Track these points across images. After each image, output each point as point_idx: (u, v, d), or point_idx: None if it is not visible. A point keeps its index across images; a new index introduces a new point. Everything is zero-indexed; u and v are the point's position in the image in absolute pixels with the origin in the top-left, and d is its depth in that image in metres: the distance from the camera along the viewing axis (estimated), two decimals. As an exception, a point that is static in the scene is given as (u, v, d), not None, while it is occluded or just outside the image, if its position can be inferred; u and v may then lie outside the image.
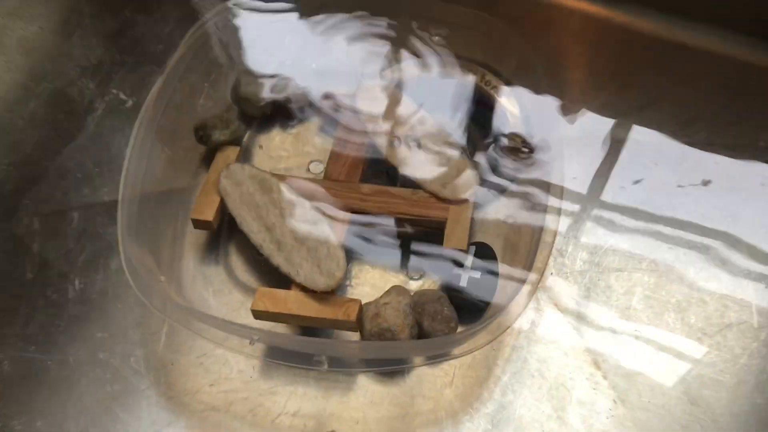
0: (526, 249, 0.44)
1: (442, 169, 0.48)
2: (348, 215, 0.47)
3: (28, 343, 0.45)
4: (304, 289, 0.43)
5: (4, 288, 0.47)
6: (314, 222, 0.45)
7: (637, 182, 0.49)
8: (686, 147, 0.50)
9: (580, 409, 0.42)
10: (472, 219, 0.47)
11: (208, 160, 0.51)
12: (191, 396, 0.43)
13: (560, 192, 0.45)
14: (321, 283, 0.43)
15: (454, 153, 0.49)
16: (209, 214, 0.46)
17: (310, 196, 0.47)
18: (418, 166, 0.48)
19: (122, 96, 0.54)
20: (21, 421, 0.43)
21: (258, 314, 0.43)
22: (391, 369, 0.44)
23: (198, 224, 0.47)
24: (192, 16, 0.54)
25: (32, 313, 0.46)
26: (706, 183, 0.49)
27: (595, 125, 0.52)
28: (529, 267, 0.42)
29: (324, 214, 0.46)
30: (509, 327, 0.42)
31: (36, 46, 0.56)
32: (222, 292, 0.47)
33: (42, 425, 0.42)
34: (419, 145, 0.49)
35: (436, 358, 0.43)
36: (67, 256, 0.48)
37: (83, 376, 0.44)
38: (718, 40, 0.53)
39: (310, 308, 0.42)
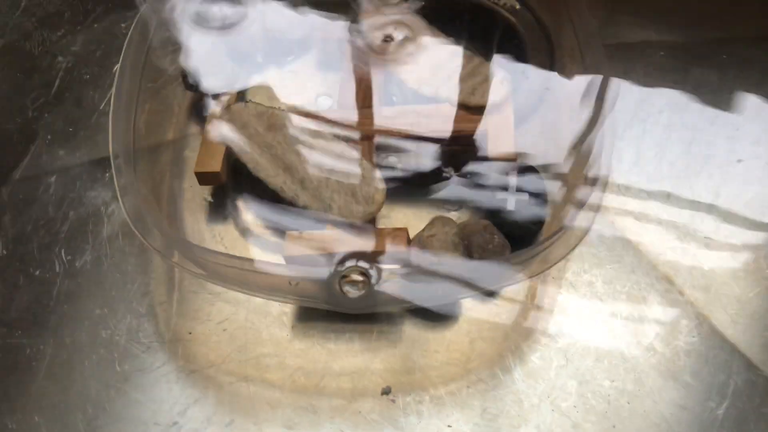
0: (577, 162, 0.40)
1: (465, 75, 0.43)
2: (374, 140, 0.41)
3: (13, 329, 0.38)
4: (340, 226, 0.37)
5: (-24, 269, 0.40)
6: (339, 152, 0.40)
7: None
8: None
9: (661, 330, 0.37)
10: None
11: (197, 109, 0.44)
12: (217, 367, 0.37)
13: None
14: (360, 211, 0.37)
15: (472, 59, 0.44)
16: (215, 165, 0.40)
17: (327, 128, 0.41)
18: (437, 81, 0.43)
19: (90, 46, 0.47)
20: (15, 418, 0.36)
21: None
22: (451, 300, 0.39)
23: (204, 179, 0.41)
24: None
25: (12, 293, 0.39)
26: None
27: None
28: (584, 182, 0.38)
29: (347, 141, 0.41)
30: (585, 234, 0.36)
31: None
32: (236, 249, 0.41)
33: (42, 420, 0.35)
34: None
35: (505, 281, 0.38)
36: (48, 227, 0.41)
37: (85, 359, 0.37)
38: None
39: (351, 243, 0.37)
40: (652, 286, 0.39)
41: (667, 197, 0.41)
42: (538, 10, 0.47)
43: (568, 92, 0.43)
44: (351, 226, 0.38)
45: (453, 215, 0.42)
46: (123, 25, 0.47)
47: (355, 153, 0.40)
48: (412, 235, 0.39)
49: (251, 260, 0.36)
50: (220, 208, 0.42)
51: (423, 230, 0.39)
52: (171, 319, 0.39)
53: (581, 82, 0.41)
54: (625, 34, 0.47)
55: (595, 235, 0.40)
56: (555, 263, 0.36)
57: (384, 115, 0.42)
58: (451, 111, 0.42)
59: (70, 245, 0.41)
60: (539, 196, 0.40)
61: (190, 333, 0.38)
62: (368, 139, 0.41)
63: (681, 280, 0.39)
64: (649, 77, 0.46)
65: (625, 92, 0.45)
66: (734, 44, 0.46)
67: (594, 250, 0.40)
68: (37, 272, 0.40)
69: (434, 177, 0.42)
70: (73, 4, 0.48)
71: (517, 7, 0.48)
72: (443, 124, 0.41)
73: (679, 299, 0.38)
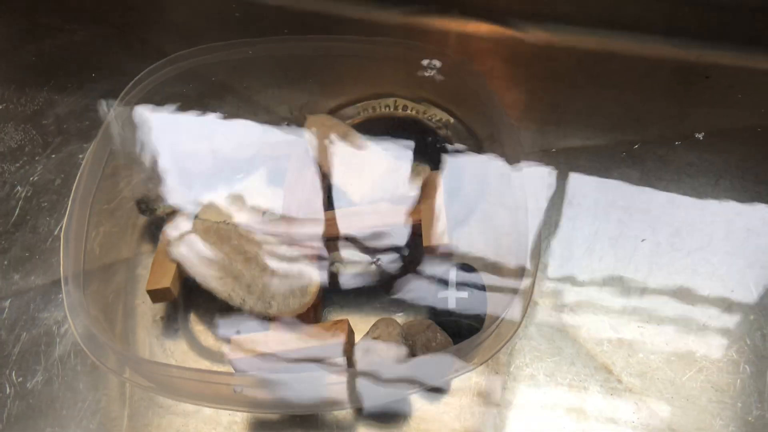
0: (513, 258, 0.42)
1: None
2: (315, 247, 0.43)
3: (-39, 455, 0.38)
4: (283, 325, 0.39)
5: (-75, 395, 0.40)
6: (282, 255, 0.42)
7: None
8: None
9: (602, 417, 0.38)
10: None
11: (149, 230, 0.46)
12: (167, 482, 0.37)
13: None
14: (296, 303, 0.39)
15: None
16: (166, 282, 0.42)
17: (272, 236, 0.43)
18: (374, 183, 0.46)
19: (49, 176, 0.49)
20: None
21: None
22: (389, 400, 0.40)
23: (156, 296, 0.42)
24: (117, 90, 0.50)
25: (-38, 419, 0.39)
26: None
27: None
28: (519, 276, 0.40)
29: (290, 244, 0.43)
30: (519, 326, 0.38)
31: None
32: (186, 362, 0.42)
33: None
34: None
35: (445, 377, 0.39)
36: (0, 349, 0.42)
37: (34, 482, 0.37)
38: (641, 44, 0.55)
39: (293, 342, 0.38)
40: (592, 376, 0.40)
41: (600, 288, 0.44)
42: (467, 122, 0.51)
43: (499, 192, 0.46)
44: (292, 325, 0.39)
45: (398, 317, 0.43)
46: (80, 155, 0.50)
47: (295, 253, 0.42)
48: (357, 336, 0.40)
49: (197, 370, 0.37)
50: (171, 323, 0.43)
51: (368, 332, 0.40)
52: (122, 435, 0.39)
53: (509, 183, 0.45)
54: (554, 142, 0.51)
55: (534, 328, 0.42)
56: (493, 354, 0.37)
57: (326, 218, 0.44)
58: (389, 207, 0.45)
59: (21, 367, 0.41)
60: (478, 293, 0.42)
61: (141, 448, 0.38)
62: (316, 240, 0.44)
63: (618, 368, 0.40)
64: (576, 179, 0.49)
65: (555, 192, 0.48)
66: (650, 144, 0.50)
67: (534, 343, 0.41)
68: (-12, 395, 0.40)
69: (377, 276, 0.44)
70: (33, 137, 0.51)
71: (452, 121, 0.52)
72: (382, 218, 0.44)
73: (617, 387, 0.40)
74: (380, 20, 0.57)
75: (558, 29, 0.57)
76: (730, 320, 0.42)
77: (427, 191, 0.45)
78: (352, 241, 0.44)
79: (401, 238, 0.44)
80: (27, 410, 0.40)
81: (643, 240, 0.45)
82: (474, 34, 0.57)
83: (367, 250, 0.44)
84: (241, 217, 0.47)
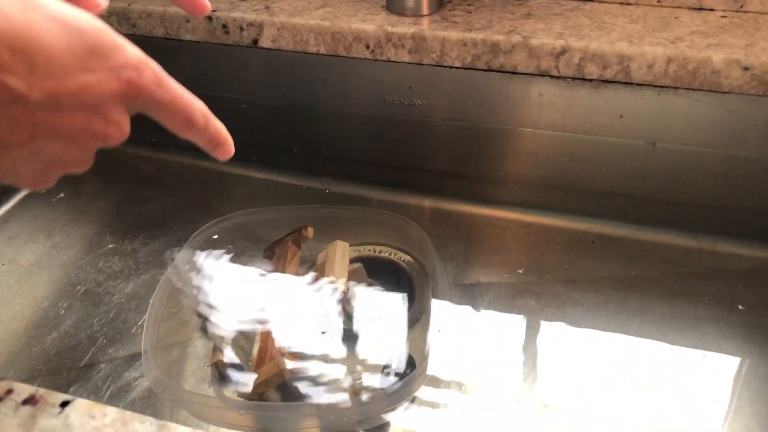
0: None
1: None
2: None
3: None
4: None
5: (49, 417, 0.63)
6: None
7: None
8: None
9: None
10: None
11: (197, 326, 0.71)
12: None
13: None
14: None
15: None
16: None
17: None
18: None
19: (137, 289, 0.75)
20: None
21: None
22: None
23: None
24: (187, 238, 0.77)
25: (68, 435, 0.62)
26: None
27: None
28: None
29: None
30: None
31: (74, 264, 0.79)
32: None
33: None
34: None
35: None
36: (96, 394, 0.65)
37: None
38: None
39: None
40: None
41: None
42: (420, 260, 0.75)
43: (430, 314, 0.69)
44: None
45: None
46: (159, 277, 0.75)
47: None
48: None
49: (215, 398, 0.59)
50: (207, 382, 0.66)
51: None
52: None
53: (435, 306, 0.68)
54: (475, 276, 0.75)
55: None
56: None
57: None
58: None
59: (109, 404, 0.64)
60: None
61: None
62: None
63: None
64: (491, 305, 0.71)
65: (467, 316, 0.71)
66: (554, 285, 0.72)
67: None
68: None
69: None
70: (130, 265, 0.78)
71: (411, 260, 0.76)
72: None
73: None
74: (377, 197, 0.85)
75: (500, 209, 0.83)
76: None
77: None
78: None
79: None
80: (110, 430, 0.62)
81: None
82: (439, 209, 0.83)
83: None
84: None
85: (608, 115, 0.74)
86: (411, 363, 0.65)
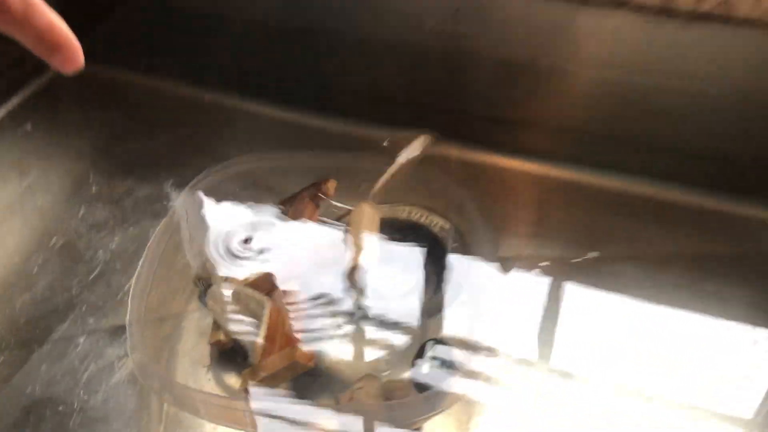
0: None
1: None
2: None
3: (37, 451, 0.50)
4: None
5: (15, 403, 0.53)
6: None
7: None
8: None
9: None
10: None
11: (195, 294, 0.60)
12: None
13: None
14: None
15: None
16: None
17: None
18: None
19: (125, 245, 0.63)
20: None
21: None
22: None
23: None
24: (184, 183, 0.65)
25: (39, 426, 0.51)
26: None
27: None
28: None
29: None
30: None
31: (51, 211, 0.67)
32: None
33: None
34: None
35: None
36: (72, 374, 0.54)
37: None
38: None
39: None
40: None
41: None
42: (459, 227, 0.63)
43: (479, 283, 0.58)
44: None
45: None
46: (150, 230, 0.64)
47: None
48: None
49: (217, 396, 0.49)
50: (207, 369, 0.55)
51: (353, 384, 0.52)
52: (156, 446, 0.51)
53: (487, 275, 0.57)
54: (522, 246, 0.63)
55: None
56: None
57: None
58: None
59: (87, 388, 0.54)
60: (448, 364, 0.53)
61: (169, 458, 0.50)
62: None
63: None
64: (542, 280, 0.60)
65: (514, 293, 0.60)
66: (603, 261, 0.61)
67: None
68: (60, 408, 0.52)
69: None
70: (116, 214, 0.66)
71: (447, 227, 0.65)
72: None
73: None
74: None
75: (554, 166, 0.71)
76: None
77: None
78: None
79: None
80: (87, 421, 0.52)
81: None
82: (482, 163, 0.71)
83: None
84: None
85: (699, 60, 0.61)
86: (447, 350, 0.55)
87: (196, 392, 0.51)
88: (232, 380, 0.54)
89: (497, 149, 0.72)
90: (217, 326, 0.56)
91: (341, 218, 0.63)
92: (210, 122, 0.78)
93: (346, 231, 0.60)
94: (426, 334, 0.56)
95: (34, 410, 0.52)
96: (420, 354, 0.54)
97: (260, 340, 0.52)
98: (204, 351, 0.56)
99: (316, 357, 0.51)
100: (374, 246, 0.58)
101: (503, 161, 0.72)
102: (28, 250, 0.63)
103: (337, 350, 0.55)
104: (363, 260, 0.56)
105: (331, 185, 0.62)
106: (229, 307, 0.55)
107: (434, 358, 0.54)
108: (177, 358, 0.56)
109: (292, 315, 0.55)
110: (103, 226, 0.65)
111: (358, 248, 0.57)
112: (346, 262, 0.57)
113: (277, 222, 0.64)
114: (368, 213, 0.60)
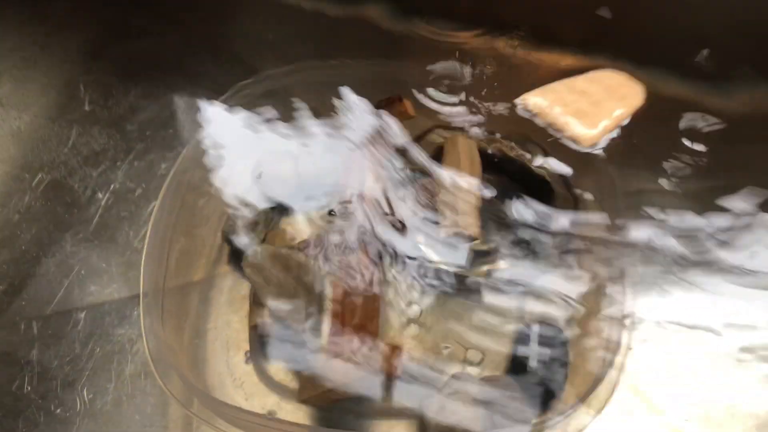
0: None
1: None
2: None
3: (30, 472, 0.38)
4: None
5: (1, 404, 0.40)
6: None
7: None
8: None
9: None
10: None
11: (224, 252, 0.46)
12: None
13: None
14: None
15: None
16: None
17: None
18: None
19: (130, 184, 0.49)
20: None
21: (306, 401, 0.39)
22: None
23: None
24: (204, 98, 0.50)
25: (31, 430, 0.39)
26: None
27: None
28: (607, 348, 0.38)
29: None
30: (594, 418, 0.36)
31: (31, 136, 0.52)
32: (255, 395, 0.41)
33: None
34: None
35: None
36: (73, 364, 0.42)
37: (98, 506, 0.37)
38: None
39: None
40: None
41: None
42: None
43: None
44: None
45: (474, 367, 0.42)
46: (163, 165, 0.49)
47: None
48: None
49: (273, 418, 0.36)
50: (240, 349, 0.42)
51: (442, 388, 0.39)
52: (187, 466, 0.39)
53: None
54: (638, 183, 0.49)
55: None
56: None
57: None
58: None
59: (93, 383, 0.41)
60: (560, 353, 0.41)
61: (206, 482, 0.38)
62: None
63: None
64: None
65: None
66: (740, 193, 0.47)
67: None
68: (58, 410, 0.40)
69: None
70: (117, 142, 0.51)
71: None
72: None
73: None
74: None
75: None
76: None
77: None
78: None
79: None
80: (95, 430, 0.39)
81: None
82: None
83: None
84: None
85: None
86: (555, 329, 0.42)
87: (231, 408, 0.38)
88: (281, 375, 0.42)
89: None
90: (257, 301, 0.43)
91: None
92: (228, 15, 0.60)
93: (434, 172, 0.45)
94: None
95: (24, 413, 0.40)
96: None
97: (325, 327, 0.39)
98: (241, 332, 0.43)
99: (401, 360, 0.39)
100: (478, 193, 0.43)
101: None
102: (5, 192, 0.49)
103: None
104: (466, 220, 0.42)
105: (408, 105, 0.46)
106: (274, 275, 0.42)
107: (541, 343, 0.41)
108: (206, 343, 0.43)
109: (361, 289, 0.41)
110: (101, 157, 0.51)
111: (460, 199, 0.43)
112: (444, 217, 0.43)
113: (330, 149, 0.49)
114: (464, 144, 0.46)
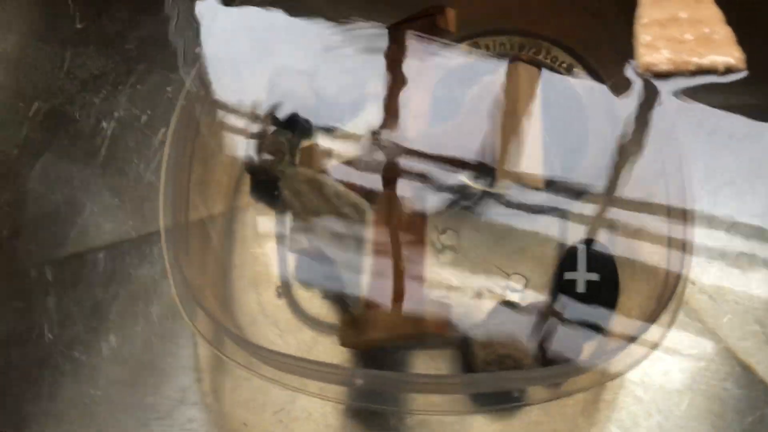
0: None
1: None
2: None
3: (61, 421, 0.36)
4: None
5: (22, 355, 0.38)
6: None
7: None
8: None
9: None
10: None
11: (246, 180, 0.43)
12: (274, 464, 0.35)
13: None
14: None
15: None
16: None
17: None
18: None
19: (135, 111, 0.45)
20: None
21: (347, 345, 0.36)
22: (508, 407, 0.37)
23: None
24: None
25: (59, 381, 0.37)
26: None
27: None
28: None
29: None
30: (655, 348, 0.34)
31: (21, 60, 0.47)
32: (289, 332, 0.39)
33: None
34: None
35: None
36: (95, 308, 0.39)
37: (137, 454, 0.36)
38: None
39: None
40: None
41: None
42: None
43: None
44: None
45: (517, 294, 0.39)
46: (169, 88, 0.45)
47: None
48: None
49: (311, 361, 0.34)
50: (271, 285, 0.40)
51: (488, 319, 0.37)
52: (224, 408, 0.37)
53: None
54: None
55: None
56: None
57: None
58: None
59: (119, 327, 0.39)
60: (611, 279, 0.38)
61: (245, 424, 0.37)
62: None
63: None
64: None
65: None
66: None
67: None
68: (83, 357, 0.38)
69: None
70: (117, 64, 0.46)
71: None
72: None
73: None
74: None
75: None
76: None
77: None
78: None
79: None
80: (124, 376, 0.38)
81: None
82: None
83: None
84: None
85: None
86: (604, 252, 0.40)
87: (267, 352, 0.35)
88: (316, 309, 0.39)
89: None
90: (294, 229, 0.40)
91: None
92: None
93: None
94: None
95: (47, 361, 0.38)
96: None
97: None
98: (270, 266, 0.40)
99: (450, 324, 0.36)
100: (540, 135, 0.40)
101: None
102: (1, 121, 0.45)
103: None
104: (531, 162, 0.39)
105: (450, 15, 0.41)
106: (312, 201, 0.39)
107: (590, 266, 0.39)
108: (232, 280, 0.40)
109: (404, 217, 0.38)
110: (101, 81, 0.46)
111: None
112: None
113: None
114: (526, 73, 0.41)
